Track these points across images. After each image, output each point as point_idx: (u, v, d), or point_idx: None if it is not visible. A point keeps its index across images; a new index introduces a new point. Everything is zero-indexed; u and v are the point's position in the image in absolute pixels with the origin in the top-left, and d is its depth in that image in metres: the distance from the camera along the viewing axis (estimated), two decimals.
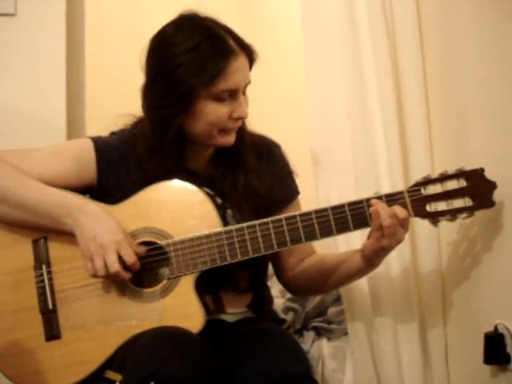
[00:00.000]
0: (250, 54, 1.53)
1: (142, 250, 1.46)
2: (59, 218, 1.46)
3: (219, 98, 1.49)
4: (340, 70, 1.77)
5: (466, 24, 1.65)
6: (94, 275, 1.43)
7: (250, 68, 1.55)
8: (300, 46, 1.82)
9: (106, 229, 1.43)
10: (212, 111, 1.49)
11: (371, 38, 1.73)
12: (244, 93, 1.54)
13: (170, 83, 1.48)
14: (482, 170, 1.48)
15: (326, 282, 1.62)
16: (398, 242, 1.48)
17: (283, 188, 1.65)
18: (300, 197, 1.69)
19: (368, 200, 1.48)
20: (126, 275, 1.43)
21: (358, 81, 1.75)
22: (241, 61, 1.50)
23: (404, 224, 1.47)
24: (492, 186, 1.48)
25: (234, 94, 1.50)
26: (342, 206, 1.48)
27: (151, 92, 1.53)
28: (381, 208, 1.45)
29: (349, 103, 1.77)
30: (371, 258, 1.51)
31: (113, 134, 1.63)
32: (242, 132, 1.60)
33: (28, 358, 1.47)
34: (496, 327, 1.57)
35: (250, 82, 1.54)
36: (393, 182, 1.69)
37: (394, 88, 1.74)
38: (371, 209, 1.46)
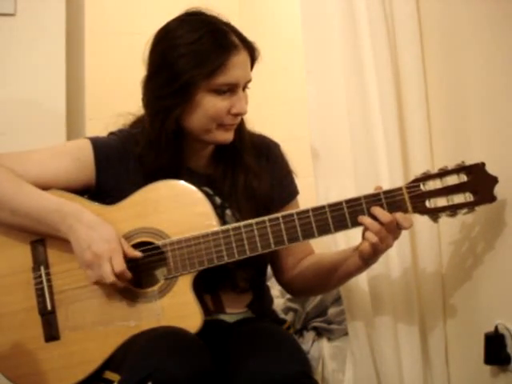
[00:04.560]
0: (251, 52, 1.53)
1: (138, 254, 1.45)
2: (53, 225, 1.45)
3: (218, 92, 1.49)
4: (340, 69, 1.77)
5: (466, 24, 1.65)
6: (95, 283, 1.43)
7: (252, 67, 1.55)
8: (300, 46, 1.82)
9: (102, 236, 1.42)
10: (211, 104, 1.49)
11: (371, 38, 1.73)
12: (244, 90, 1.54)
13: (171, 74, 1.48)
14: (483, 164, 1.47)
15: (324, 282, 1.61)
16: (395, 239, 1.49)
17: (282, 188, 1.65)
18: (300, 196, 1.69)
19: (366, 197, 1.47)
20: (121, 284, 1.43)
21: (358, 80, 1.75)
22: (242, 57, 1.50)
23: (393, 227, 1.45)
24: (493, 180, 1.47)
25: (233, 89, 1.50)
26: (340, 203, 1.47)
27: (152, 83, 1.53)
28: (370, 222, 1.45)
29: (349, 103, 1.77)
30: (370, 259, 1.51)
31: (111, 134, 1.63)
32: (242, 132, 1.60)
33: (28, 360, 1.47)
34: (496, 327, 1.57)
35: (250, 80, 1.54)
36: (393, 182, 1.68)
37: (394, 88, 1.74)
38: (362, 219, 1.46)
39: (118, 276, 1.41)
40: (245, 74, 1.52)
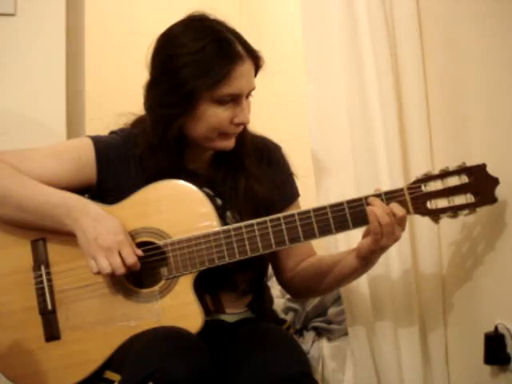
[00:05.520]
0: (256, 61, 1.52)
1: (139, 253, 1.45)
2: (59, 218, 1.45)
3: (221, 102, 1.48)
4: (340, 69, 1.78)
5: (466, 23, 1.65)
6: (98, 273, 1.42)
7: (256, 74, 1.54)
8: (300, 46, 1.82)
9: (108, 229, 1.42)
10: (214, 114, 1.49)
11: (371, 38, 1.73)
12: (247, 98, 1.53)
13: (174, 83, 1.47)
14: (484, 165, 1.47)
15: (321, 283, 1.61)
16: (395, 241, 1.48)
17: (283, 190, 1.65)
18: (300, 198, 1.69)
19: (367, 198, 1.47)
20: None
21: (358, 81, 1.75)
22: (246, 66, 1.49)
23: (401, 222, 1.46)
24: (494, 181, 1.47)
25: (236, 99, 1.49)
26: (341, 204, 1.47)
27: (154, 90, 1.52)
28: (378, 206, 1.45)
29: (349, 103, 1.77)
30: (367, 258, 1.50)
31: (112, 133, 1.62)
32: (243, 136, 1.59)
33: (28, 359, 1.47)
34: (496, 327, 1.57)
35: (253, 88, 1.53)
36: (393, 182, 1.69)
37: (393, 88, 1.74)
38: (368, 208, 1.45)
39: (129, 267, 1.41)
40: (248, 83, 1.51)
